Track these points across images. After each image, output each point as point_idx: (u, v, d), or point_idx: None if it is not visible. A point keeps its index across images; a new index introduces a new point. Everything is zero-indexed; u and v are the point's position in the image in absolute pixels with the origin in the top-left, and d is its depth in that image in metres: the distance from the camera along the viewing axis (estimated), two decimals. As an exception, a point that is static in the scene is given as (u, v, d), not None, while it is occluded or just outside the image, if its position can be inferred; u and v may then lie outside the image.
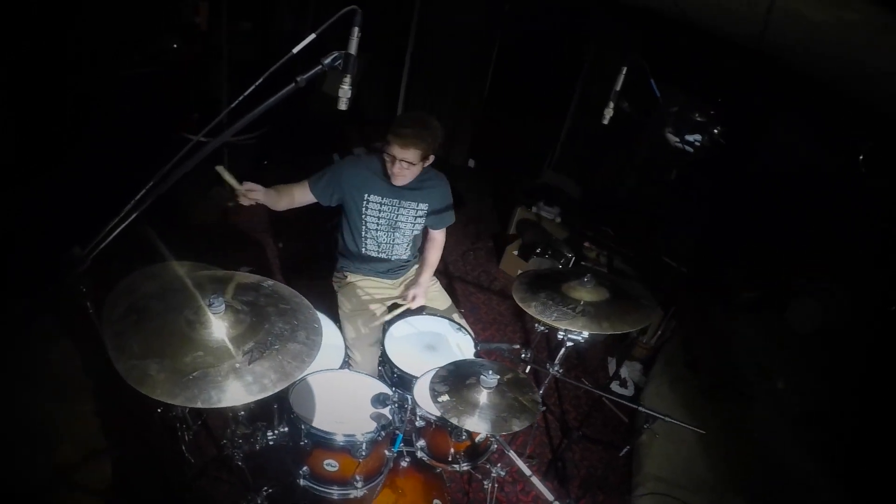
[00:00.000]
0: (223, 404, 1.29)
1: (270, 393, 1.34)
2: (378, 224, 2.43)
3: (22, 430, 2.44)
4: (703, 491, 2.67)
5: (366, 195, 2.36)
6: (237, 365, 1.37)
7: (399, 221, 2.45)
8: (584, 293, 1.98)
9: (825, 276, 3.53)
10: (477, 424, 1.64)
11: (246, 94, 1.23)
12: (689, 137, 4.74)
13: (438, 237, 2.61)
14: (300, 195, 2.37)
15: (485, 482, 2.23)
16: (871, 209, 3.31)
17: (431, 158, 2.30)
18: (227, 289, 1.60)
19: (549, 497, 1.59)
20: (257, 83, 1.22)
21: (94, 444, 2.43)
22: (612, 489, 2.81)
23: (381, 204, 2.39)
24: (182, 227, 3.90)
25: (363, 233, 2.44)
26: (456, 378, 1.78)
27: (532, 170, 5.12)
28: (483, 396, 1.70)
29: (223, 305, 1.47)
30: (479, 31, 5.14)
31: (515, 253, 4.22)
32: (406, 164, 2.21)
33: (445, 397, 1.67)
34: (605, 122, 2.06)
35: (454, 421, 1.62)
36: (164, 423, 2.02)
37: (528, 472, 1.66)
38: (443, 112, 5.59)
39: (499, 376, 1.71)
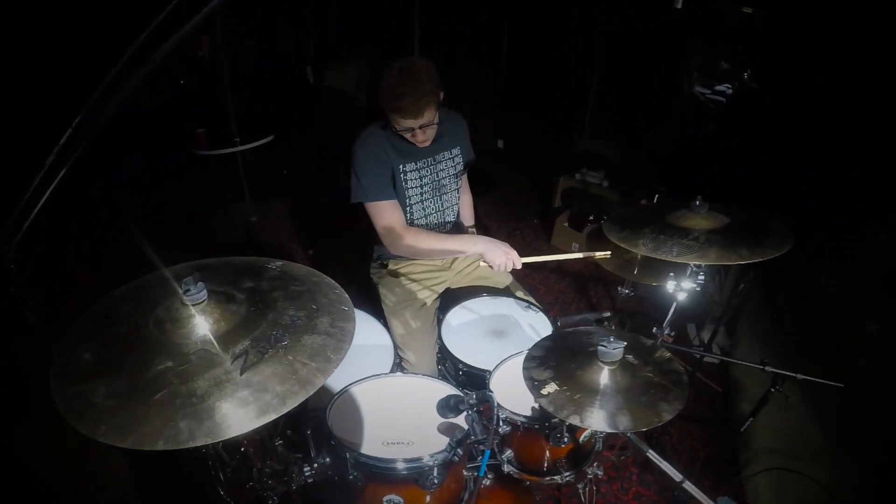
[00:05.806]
0: (198, 442, 0.70)
1: (276, 416, 0.74)
2: (422, 193, 1.90)
3: (51, 486, 1.93)
4: (819, 458, 2.05)
5: (400, 166, 1.82)
6: (222, 377, 0.78)
7: (442, 181, 1.92)
8: (700, 220, 1.35)
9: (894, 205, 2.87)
10: (608, 421, 0.97)
11: None
12: (719, 87, 4.18)
13: (464, 179, 2.11)
14: (398, 211, 1.85)
15: (578, 485, 1.67)
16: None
17: (442, 95, 1.74)
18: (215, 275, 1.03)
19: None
20: None
21: (124, 494, 1.87)
22: (719, 471, 2.19)
23: (417, 170, 1.85)
24: (209, 247, 3.52)
25: (407, 208, 1.90)
26: (558, 357, 1.14)
27: (565, 140, 4.52)
28: (604, 377, 1.06)
29: (204, 292, 0.90)
30: (486, 11, 4.61)
31: (566, 224, 3.58)
32: (429, 126, 1.71)
33: (552, 387, 1.03)
34: None
35: (575, 421, 0.97)
36: (197, 461, 1.45)
37: (678, 477, 1.02)
38: (462, 97, 5.08)
39: (622, 343, 1.05)
